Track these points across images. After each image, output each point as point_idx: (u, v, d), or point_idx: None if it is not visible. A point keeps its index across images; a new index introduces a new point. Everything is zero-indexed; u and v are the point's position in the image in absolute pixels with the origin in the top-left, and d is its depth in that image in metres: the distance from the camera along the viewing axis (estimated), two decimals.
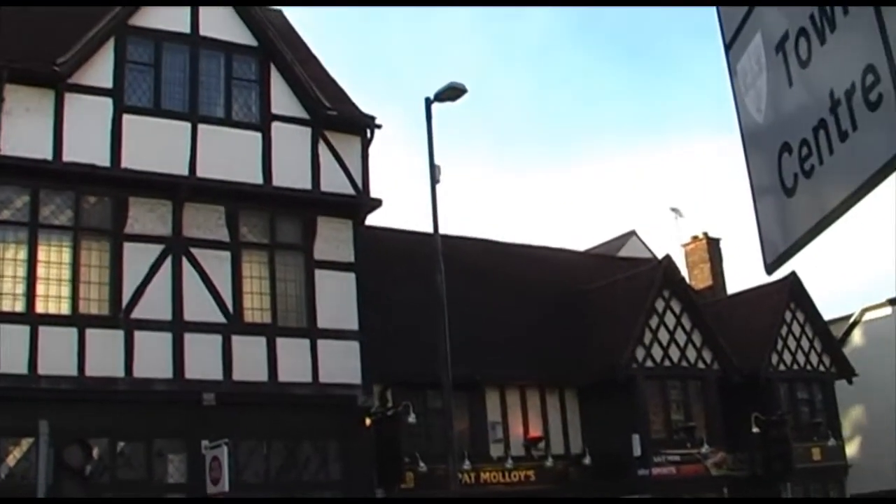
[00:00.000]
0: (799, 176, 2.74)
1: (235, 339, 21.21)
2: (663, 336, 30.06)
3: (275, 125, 22.62)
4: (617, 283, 31.93)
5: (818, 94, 2.66)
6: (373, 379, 23.31)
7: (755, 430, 30.82)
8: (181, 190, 21.11)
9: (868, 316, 39.03)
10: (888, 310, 38.34)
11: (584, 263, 35.74)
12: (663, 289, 30.52)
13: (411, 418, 24.10)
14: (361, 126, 23.69)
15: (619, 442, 28.23)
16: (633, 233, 41.04)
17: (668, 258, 32.03)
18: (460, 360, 22.99)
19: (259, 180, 22.10)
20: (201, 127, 21.69)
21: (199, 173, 21.34)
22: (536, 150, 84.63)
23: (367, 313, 23.07)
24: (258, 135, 22.36)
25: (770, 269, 2.92)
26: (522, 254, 33.74)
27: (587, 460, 28.58)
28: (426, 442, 25.21)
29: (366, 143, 23.63)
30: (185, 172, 21.22)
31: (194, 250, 21.26)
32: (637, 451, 28.38)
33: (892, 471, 34.06)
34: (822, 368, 34.39)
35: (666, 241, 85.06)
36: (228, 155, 21.80)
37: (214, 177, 21.44)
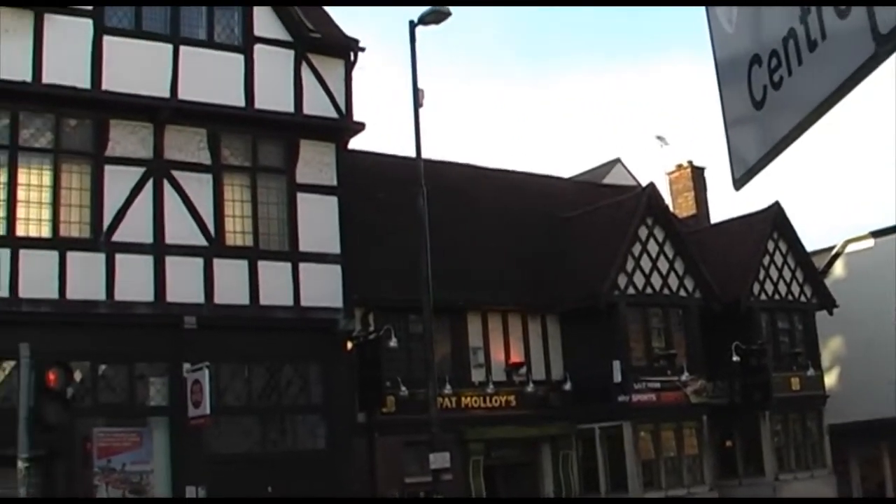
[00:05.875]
0: (768, 88, 2.67)
1: (217, 262, 21.21)
2: (646, 264, 30.12)
3: (257, 47, 22.35)
4: (600, 209, 31.86)
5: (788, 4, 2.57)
6: (354, 303, 23.42)
7: (735, 358, 30.94)
8: (162, 112, 20.92)
9: (851, 248, 39.06)
10: (870, 242, 38.37)
11: (568, 190, 35.66)
12: (646, 216, 30.52)
13: (392, 342, 24.20)
14: (345, 49, 23.49)
15: (599, 368, 28.38)
16: (617, 160, 40.87)
17: (651, 186, 32.01)
18: (442, 284, 23.06)
19: (241, 103, 21.93)
20: (183, 49, 21.43)
21: (181, 95, 21.13)
22: (522, 78, 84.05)
23: (350, 237, 23.07)
24: (240, 57, 22.12)
25: (738, 183, 2.86)
26: (506, 179, 33.60)
27: (567, 386, 28.77)
28: (407, 366, 25.34)
29: (349, 67, 23.45)
30: (167, 94, 21.01)
31: (175, 173, 21.15)
32: (617, 378, 28.56)
33: (868, 402, 34.45)
34: (803, 299, 34.53)
35: (651, 169, 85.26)
36: (210, 77, 21.59)
37: (196, 99, 21.24)
